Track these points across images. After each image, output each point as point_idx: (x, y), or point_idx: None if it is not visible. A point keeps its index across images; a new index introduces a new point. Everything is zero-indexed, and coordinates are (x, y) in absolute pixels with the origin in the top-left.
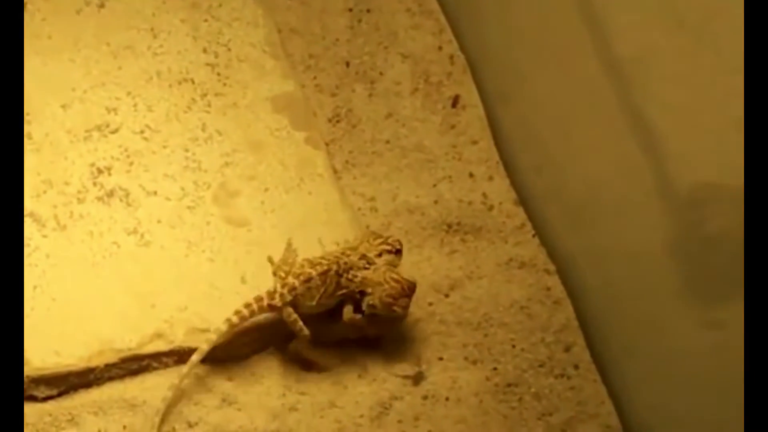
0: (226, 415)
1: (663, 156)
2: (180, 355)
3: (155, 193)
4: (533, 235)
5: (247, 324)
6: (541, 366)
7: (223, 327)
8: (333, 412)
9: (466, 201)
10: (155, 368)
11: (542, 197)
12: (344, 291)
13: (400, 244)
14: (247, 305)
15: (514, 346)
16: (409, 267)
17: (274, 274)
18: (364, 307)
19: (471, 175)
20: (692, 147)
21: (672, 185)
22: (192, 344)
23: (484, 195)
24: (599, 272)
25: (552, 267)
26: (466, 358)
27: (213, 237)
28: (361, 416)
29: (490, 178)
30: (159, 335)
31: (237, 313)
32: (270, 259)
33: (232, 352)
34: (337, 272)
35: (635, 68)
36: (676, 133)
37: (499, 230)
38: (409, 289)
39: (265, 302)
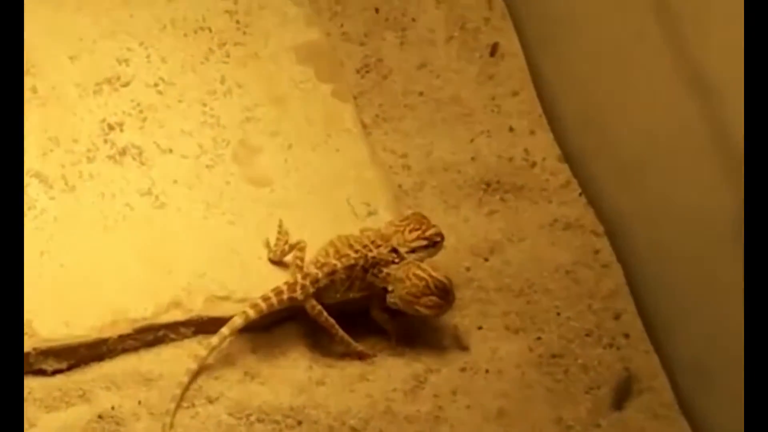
0: (248, 390)
1: (720, 110)
2: (198, 325)
3: (170, 150)
4: (579, 194)
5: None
6: (588, 335)
7: (239, 320)
8: (363, 386)
9: (506, 157)
10: (172, 339)
11: (589, 153)
12: (370, 286)
13: (441, 236)
14: (266, 298)
15: (559, 314)
16: (445, 229)
17: (271, 260)
18: (388, 303)
19: (511, 129)
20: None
21: (729, 141)
22: (211, 313)
23: (526, 151)
24: (652, 234)
25: (600, 228)
26: (507, 327)
27: (233, 198)
28: (394, 390)
29: (532, 133)
30: (176, 304)
31: (254, 306)
32: (267, 243)
33: (256, 322)
34: (363, 267)
35: (691, 12)
36: (735, 86)
37: (542, 189)
38: (436, 288)
39: (286, 296)
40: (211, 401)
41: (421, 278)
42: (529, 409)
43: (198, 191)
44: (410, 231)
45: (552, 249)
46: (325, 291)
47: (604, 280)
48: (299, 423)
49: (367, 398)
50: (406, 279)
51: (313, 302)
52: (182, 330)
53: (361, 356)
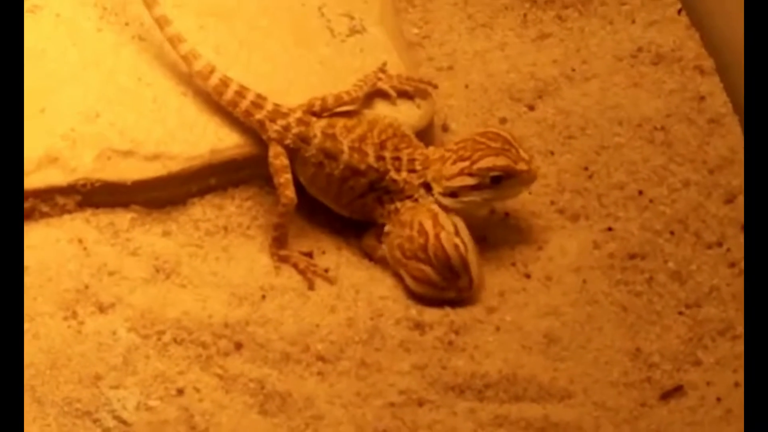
0: (160, 295)
1: None
2: (87, 195)
3: None
4: (679, 10)
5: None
6: (684, 227)
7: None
8: (343, 300)
9: None
10: (45, 215)
11: None
12: (364, 209)
13: (505, 171)
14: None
15: (641, 193)
16: (470, 60)
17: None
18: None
19: None
20: None
21: None
22: (106, 175)
23: None
24: None
25: (709, 62)
26: (561, 212)
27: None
28: (384, 299)
29: None
30: (52, 159)
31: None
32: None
33: (165, 191)
34: (371, 183)
35: None
36: None
37: (620, 1)
38: (435, 257)
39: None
40: (102, 309)
41: (422, 233)
42: (592, 335)
43: None
44: (455, 161)
45: (634, 93)
46: (299, 163)
47: (713, 141)
48: (238, 347)
49: (345, 316)
50: (407, 226)
51: (280, 150)
52: (60, 201)
53: (302, 273)
